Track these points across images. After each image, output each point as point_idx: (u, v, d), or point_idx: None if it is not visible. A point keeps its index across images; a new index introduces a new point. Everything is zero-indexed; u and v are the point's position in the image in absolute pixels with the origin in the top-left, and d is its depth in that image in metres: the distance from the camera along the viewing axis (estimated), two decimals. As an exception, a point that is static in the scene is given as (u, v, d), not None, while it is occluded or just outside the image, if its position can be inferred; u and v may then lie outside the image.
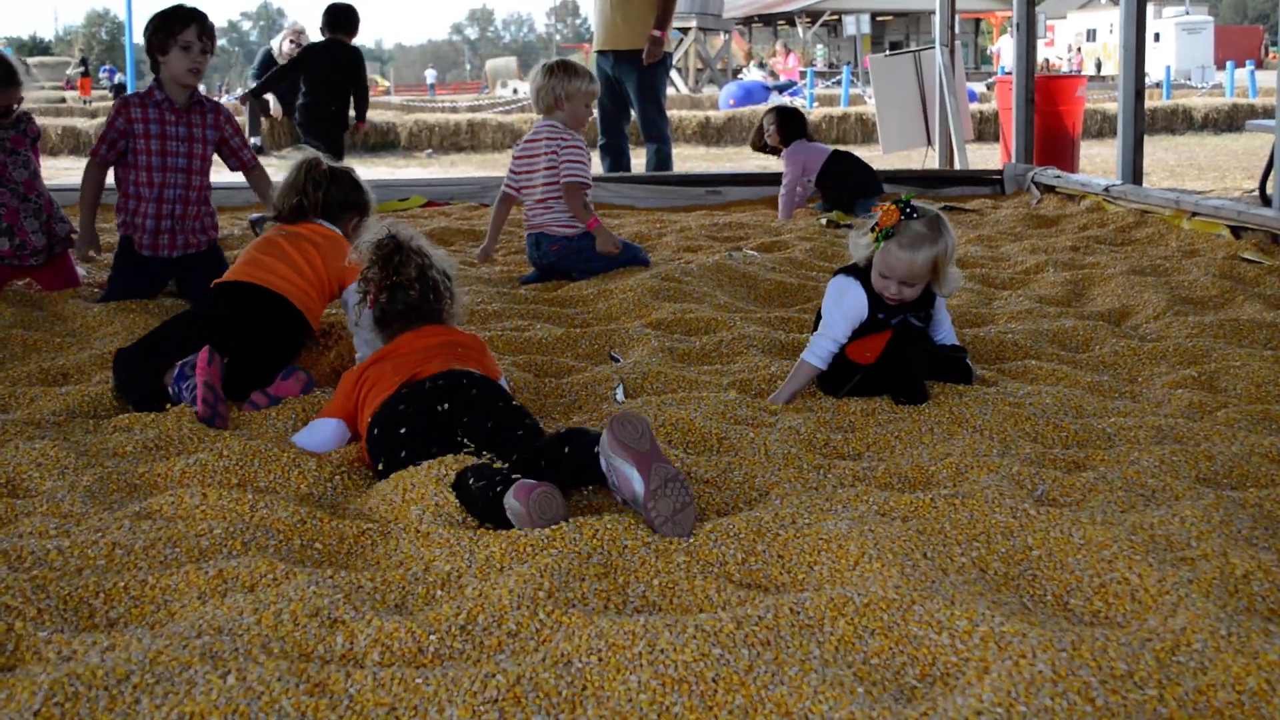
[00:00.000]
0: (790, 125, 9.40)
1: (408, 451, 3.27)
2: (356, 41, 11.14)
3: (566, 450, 3.13)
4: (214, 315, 4.32)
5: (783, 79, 32.03)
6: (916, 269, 3.99)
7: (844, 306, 4.10)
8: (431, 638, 2.39)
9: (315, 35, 11.93)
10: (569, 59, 6.79)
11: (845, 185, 9.09)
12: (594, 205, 6.77)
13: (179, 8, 5.63)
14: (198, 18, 5.60)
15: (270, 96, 17.44)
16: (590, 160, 6.57)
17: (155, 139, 5.63)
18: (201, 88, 6.01)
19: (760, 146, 9.63)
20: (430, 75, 55.11)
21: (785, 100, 26.52)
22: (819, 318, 4.22)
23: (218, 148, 5.85)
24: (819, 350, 4.09)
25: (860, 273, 4.13)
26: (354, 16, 10.96)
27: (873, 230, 4.03)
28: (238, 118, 18.74)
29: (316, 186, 4.54)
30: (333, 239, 4.50)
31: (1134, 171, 9.36)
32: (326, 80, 10.97)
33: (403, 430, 3.31)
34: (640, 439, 2.97)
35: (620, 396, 4.14)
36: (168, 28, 5.56)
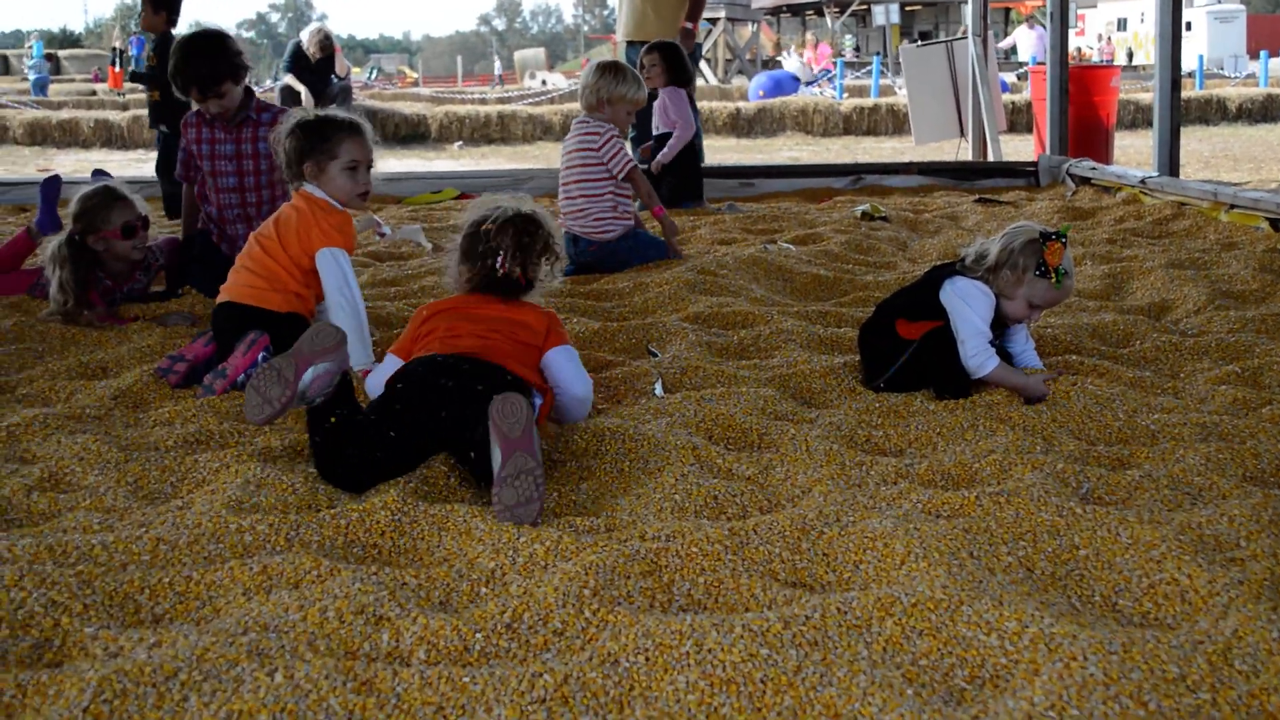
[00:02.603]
0: (678, 67, 9.00)
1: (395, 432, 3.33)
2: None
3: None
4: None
5: (816, 71, 31.84)
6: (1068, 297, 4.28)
7: (984, 307, 4.07)
8: (477, 636, 2.38)
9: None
10: (620, 62, 6.76)
11: (686, 174, 8.96)
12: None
13: (194, 59, 5.44)
14: (198, 80, 5.41)
15: (302, 88, 17.46)
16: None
17: (207, 159, 5.54)
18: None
19: None
20: (497, 66, 52.92)
21: (815, 91, 26.47)
22: (915, 296, 4.25)
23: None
24: (981, 348, 4.01)
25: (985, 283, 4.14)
26: None
27: (1054, 274, 4.02)
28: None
29: (284, 151, 4.38)
30: (300, 210, 4.36)
31: (1170, 163, 9.29)
32: None
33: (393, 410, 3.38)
34: (513, 426, 3.04)
35: (659, 391, 4.13)
36: (184, 85, 5.46)
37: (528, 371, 3.61)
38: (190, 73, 5.39)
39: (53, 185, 6.51)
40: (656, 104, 8.97)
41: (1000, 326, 4.18)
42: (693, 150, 9.11)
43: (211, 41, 5.45)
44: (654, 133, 9.13)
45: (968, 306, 4.05)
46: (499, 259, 3.72)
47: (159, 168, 9.22)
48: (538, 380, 3.64)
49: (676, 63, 9.01)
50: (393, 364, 3.72)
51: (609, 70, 6.54)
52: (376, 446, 3.27)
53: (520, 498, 2.94)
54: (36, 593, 2.49)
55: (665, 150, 8.92)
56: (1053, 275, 4.02)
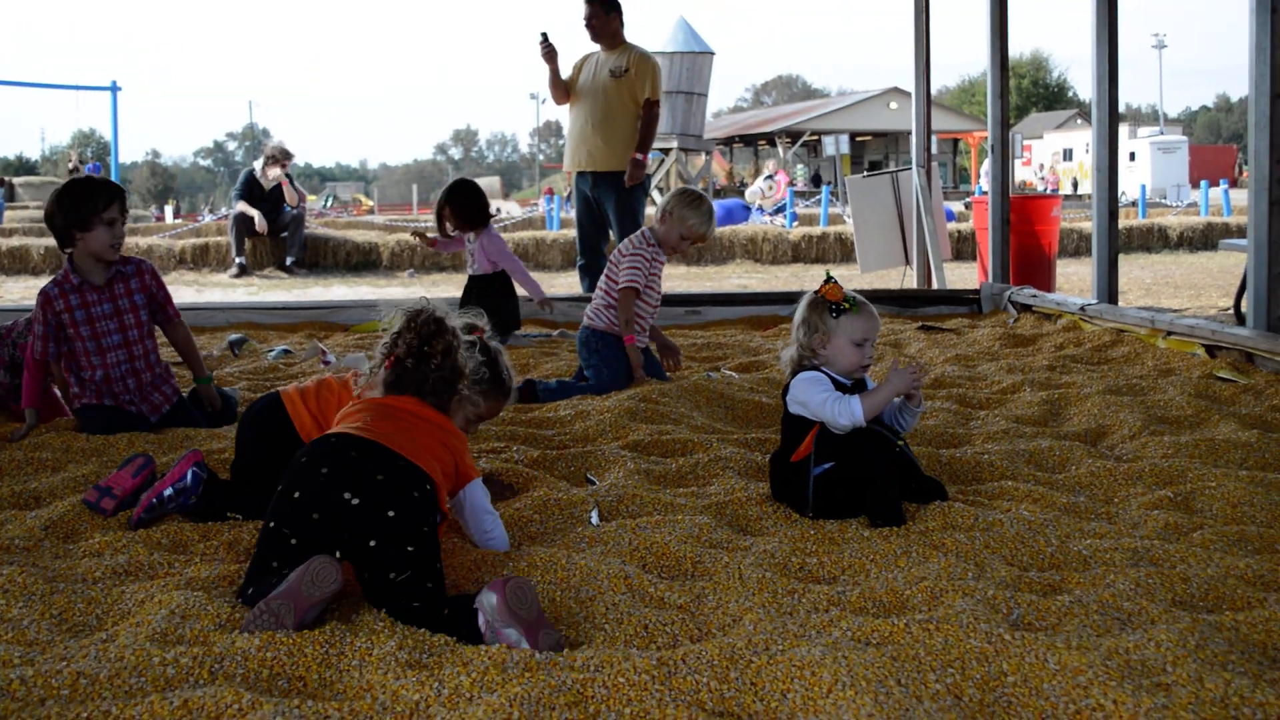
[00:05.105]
0: (472, 208, 8.81)
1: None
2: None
3: (446, 612, 3.12)
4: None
5: (778, 198, 32.35)
6: (878, 320, 4.34)
7: (818, 383, 4.23)
8: (398, 770, 2.35)
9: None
10: (705, 195, 6.93)
11: (506, 305, 8.78)
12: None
13: (99, 183, 5.46)
14: (119, 194, 5.44)
15: (256, 214, 17.55)
16: (655, 272, 6.80)
17: (85, 324, 5.40)
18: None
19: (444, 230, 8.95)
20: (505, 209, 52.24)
21: (766, 220, 26.80)
22: (787, 434, 4.36)
23: (149, 305, 5.59)
24: (837, 404, 4.14)
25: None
26: None
27: (846, 304, 4.22)
28: (223, 237, 18.94)
29: (461, 386, 3.95)
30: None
31: (1109, 290, 9.43)
32: None
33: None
34: (529, 608, 3.01)
35: (595, 520, 4.12)
36: (90, 204, 5.34)
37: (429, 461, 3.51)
38: (74, 203, 5.35)
39: None
40: (475, 247, 8.78)
41: (856, 390, 4.30)
42: (509, 284, 8.93)
43: (92, 180, 5.52)
44: (470, 272, 8.95)
45: (807, 394, 4.23)
46: (383, 351, 3.68)
47: None
48: (438, 476, 3.52)
49: (467, 204, 8.82)
50: None
51: (688, 195, 6.83)
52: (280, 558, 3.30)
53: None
54: (-51, 729, 2.45)
55: (525, 279, 8.94)
56: (846, 305, 4.22)
